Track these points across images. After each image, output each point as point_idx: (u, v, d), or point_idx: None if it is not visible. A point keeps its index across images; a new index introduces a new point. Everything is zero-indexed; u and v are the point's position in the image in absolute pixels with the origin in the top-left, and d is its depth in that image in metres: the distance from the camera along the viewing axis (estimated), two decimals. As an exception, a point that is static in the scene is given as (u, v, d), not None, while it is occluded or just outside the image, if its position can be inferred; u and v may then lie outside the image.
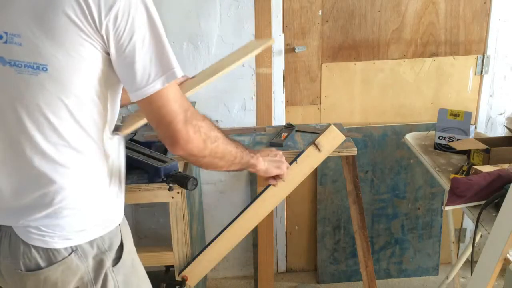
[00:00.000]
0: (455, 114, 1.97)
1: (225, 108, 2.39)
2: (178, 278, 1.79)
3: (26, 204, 1.04)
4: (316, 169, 1.92)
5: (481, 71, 2.44)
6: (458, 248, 2.62)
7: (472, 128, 1.98)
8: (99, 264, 1.09)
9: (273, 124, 2.20)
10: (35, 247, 1.04)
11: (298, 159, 1.73)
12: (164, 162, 1.61)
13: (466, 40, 2.40)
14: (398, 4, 2.33)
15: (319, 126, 2.06)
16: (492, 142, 1.84)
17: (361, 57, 2.40)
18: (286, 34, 2.34)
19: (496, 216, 1.37)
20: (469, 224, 2.65)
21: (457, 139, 1.95)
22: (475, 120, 2.51)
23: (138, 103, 1.02)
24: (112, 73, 1.02)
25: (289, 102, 2.45)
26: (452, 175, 1.66)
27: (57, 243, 1.05)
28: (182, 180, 1.52)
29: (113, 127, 1.13)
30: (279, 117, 2.41)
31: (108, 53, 0.99)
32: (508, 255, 1.29)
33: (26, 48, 0.96)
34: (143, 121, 1.29)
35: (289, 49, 2.36)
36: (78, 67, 0.97)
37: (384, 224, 2.57)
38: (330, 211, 2.55)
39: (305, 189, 2.54)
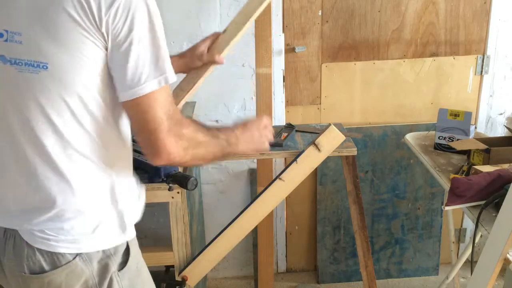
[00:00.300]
0: (455, 114, 1.97)
1: (225, 108, 2.39)
2: (178, 278, 1.79)
3: (29, 207, 1.03)
4: (316, 169, 1.92)
5: (481, 71, 2.44)
6: (458, 248, 2.62)
7: (472, 128, 1.98)
8: (104, 268, 1.08)
9: (273, 124, 2.19)
10: (39, 250, 1.03)
11: (298, 159, 1.73)
12: (164, 162, 1.60)
13: (466, 40, 2.40)
14: (398, 4, 2.33)
15: (319, 126, 2.06)
16: (492, 142, 1.84)
17: (361, 57, 2.40)
18: (286, 34, 2.34)
19: (496, 216, 1.37)
20: (469, 224, 2.65)
21: (457, 139, 1.95)
22: (475, 120, 2.51)
23: (123, 105, 1.00)
24: None
25: (289, 102, 2.45)
26: (452, 175, 1.66)
27: (62, 248, 1.03)
28: (182, 180, 1.52)
29: (122, 130, 1.08)
30: (279, 117, 2.41)
31: (107, 50, 0.97)
32: (508, 255, 1.29)
33: (26, 46, 0.95)
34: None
35: (289, 49, 2.36)
36: (80, 65, 0.95)
37: (384, 224, 2.57)
38: (330, 211, 2.55)
39: (305, 189, 2.54)
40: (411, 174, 2.51)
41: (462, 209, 1.58)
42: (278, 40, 2.31)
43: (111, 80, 1.00)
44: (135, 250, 1.16)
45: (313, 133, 1.94)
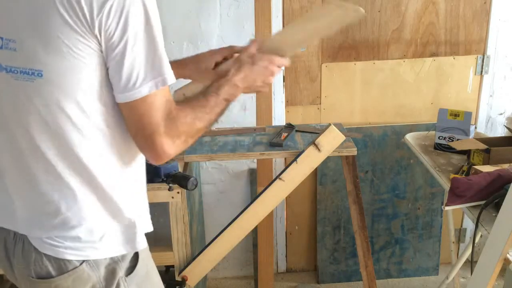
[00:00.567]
0: (455, 114, 1.97)
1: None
2: (178, 278, 1.79)
3: (35, 214, 1.03)
4: (316, 169, 1.92)
5: (481, 71, 2.44)
6: (458, 248, 2.62)
7: (472, 128, 1.98)
8: (111, 274, 1.06)
9: (273, 124, 2.20)
10: (47, 256, 1.02)
11: (298, 159, 1.73)
12: (164, 162, 1.60)
13: (466, 40, 2.40)
14: (398, 4, 2.33)
15: (319, 126, 2.06)
16: (492, 142, 1.84)
17: (361, 57, 2.40)
18: (286, 34, 2.34)
19: (496, 216, 1.37)
20: (469, 224, 2.65)
21: (457, 139, 1.95)
22: (475, 120, 2.51)
23: (120, 106, 0.97)
24: None
25: (289, 102, 2.45)
26: (452, 175, 1.66)
27: (69, 254, 1.02)
28: (182, 180, 1.52)
29: (125, 137, 1.03)
30: (279, 117, 2.41)
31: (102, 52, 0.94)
32: (508, 255, 1.29)
33: (21, 53, 0.93)
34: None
35: (289, 49, 2.36)
36: (75, 71, 0.92)
37: (384, 224, 2.57)
38: (330, 211, 2.55)
39: (305, 189, 2.54)
40: (411, 174, 2.51)
41: (462, 209, 1.58)
42: (278, 40, 2.30)
43: (110, 83, 0.97)
44: (144, 255, 1.14)
45: (313, 133, 1.94)
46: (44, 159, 0.99)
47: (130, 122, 0.97)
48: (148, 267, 1.16)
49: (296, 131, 1.97)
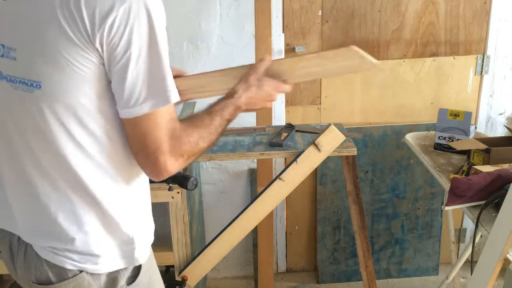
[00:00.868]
0: (455, 114, 1.97)
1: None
2: (178, 278, 1.79)
3: (34, 224, 1.03)
4: (316, 169, 1.92)
5: (481, 71, 2.44)
6: (458, 248, 2.62)
7: (472, 128, 1.98)
8: (112, 282, 1.05)
9: (273, 124, 2.20)
10: (47, 262, 1.02)
11: (298, 159, 1.73)
12: (164, 162, 1.60)
13: (466, 40, 2.40)
14: (398, 4, 2.33)
15: (319, 126, 2.06)
16: (492, 142, 1.84)
17: (361, 57, 2.40)
18: (286, 34, 2.34)
19: (496, 216, 1.37)
20: (469, 224, 2.65)
21: (457, 139, 1.95)
22: (475, 120, 2.51)
23: (123, 121, 0.94)
24: None
25: (289, 102, 2.45)
26: (452, 175, 1.66)
27: (69, 264, 1.01)
28: (182, 180, 1.52)
29: (128, 150, 1.00)
30: (279, 117, 2.41)
31: (104, 65, 0.91)
32: (508, 255, 1.29)
33: (20, 63, 0.92)
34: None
35: (289, 49, 2.36)
36: (74, 83, 0.90)
37: (384, 224, 2.57)
38: (330, 211, 2.55)
39: (305, 189, 2.54)
40: (411, 174, 2.51)
41: (462, 209, 1.58)
42: (278, 40, 2.31)
43: (110, 96, 0.94)
44: (148, 264, 1.13)
45: (313, 133, 1.94)
46: (42, 170, 0.97)
47: (133, 138, 0.94)
48: (151, 277, 1.15)
49: (296, 131, 1.97)
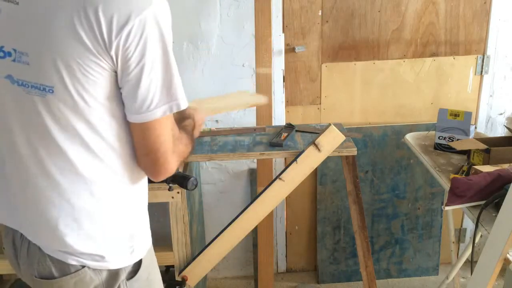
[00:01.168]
0: (455, 114, 1.97)
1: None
2: (178, 278, 1.79)
3: (36, 226, 1.04)
4: (316, 169, 1.92)
5: (481, 71, 2.44)
6: (458, 248, 2.62)
7: (472, 128, 1.98)
8: (113, 277, 1.07)
9: (273, 124, 2.20)
10: (50, 257, 1.03)
11: (298, 159, 1.73)
12: (164, 162, 1.60)
13: (466, 40, 2.40)
14: (398, 4, 2.33)
15: (319, 126, 2.06)
16: (492, 142, 1.84)
17: (361, 57, 2.40)
18: (286, 34, 2.34)
19: (496, 216, 1.37)
20: (469, 224, 2.65)
21: (457, 139, 1.95)
22: (475, 120, 2.51)
23: (132, 125, 0.98)
24: None
25: (289, 102, 2.45)
26: (452, 175, 1.66)
27: (71, 260, 1.03)
28: (182, 180, 1.52)
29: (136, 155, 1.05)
30: (279, 117, 2.41)
31: (116, 72, 0.94)
32: (508, 255, 1.29)
33: (33, 68, 0.93)
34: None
35: (289, 49, 2.36)
36: (86, 89, 0.92)
37: (384, 224, 2.57)
38: (330, 211, 2.55)
39: (305, 189, 2.54)
40: (411, 174, 2.51)
41: (462, 209, 1.58)
42: (278, 40, 2.31)
43: (121, 100, 0.97)
44: (148, 261, 1.15)
45: (313, 133, 1.94)
46: (46, 175, 0.99)
47: (142, 141, 0.99)
48: (150, 275, 1.17)
49: (296, 131, 1.97)
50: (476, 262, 1.39)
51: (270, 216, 2.09)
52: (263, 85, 2.01)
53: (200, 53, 2.30)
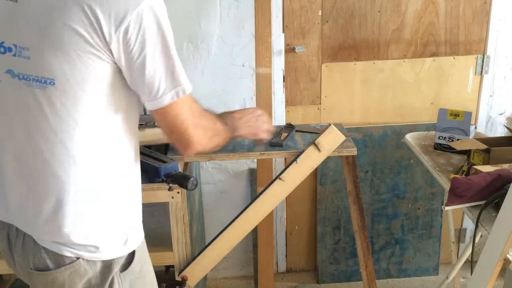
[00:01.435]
0: (455, 114, 1.97)
1: (225, 108, 2.39)
2: (178, 278, 1.79)
3: (31, 219, 1.05)
4: (316, 169, 1.92)
5: (481, 71, 2.44)
6: (458, 248, 2.62)
7: (472, 128, 1.98)
8: (107, 268, 1.09)
9: (273, 124, 2.20)
10: (46, 249, 1.05)
11: (298, 159, 1.73)
12: (164, 162, 1.61)
13: (466, 40, 2.40)
14: (398, 4, 2.33)
15: (319, 126, 2.06)
16: (492, 142, 1.84)
17: (361, 57, 2.40)
18: (286, 34, 2.34)
19: (496, 216, 1.37)
20: (469, 224, 2.65)
21: (457, 139, 1.95)
22: (475, 120, 2.51)
23: (151, 112, 1.04)
24: (125, 84, 1.01)
25: (289, 102, 2.45)
26: (452, 175, 1.66)
27: (66, 252, 1.05)
28: (182, 180, 1.52)
29: (133, 147, 1.10)
30: (279, 117, 2.41)
31: (117, 64, 0.97)
32: (508, 255, 1.29)
33: (33, 62, 0.95)
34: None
35: (289, 49, 2.36)
36: (87, 81, 0.95)
37: (384, 224, 2.57)
38: (330, 211, 2.55)
39: (305, 189, 2.54)
40: (411, 174, 2.51)
41: (462, 209, 1.58)
42: (278, 40, 2.31)
43: (123, 91, 1.01)
44: (140, 254, 1.17)
45: (313, 133, 1.93)
46: (45, 166, 1.01)
47: (163, 124, 1.06)
48: (143, 268, 1.19)
49: (296, 131, 1.97)
50: (476, 262, 1.39)
51: (270, 216, 2.09)
52: (263, 85, 2.01)
53: (200, 53, 2.30)
